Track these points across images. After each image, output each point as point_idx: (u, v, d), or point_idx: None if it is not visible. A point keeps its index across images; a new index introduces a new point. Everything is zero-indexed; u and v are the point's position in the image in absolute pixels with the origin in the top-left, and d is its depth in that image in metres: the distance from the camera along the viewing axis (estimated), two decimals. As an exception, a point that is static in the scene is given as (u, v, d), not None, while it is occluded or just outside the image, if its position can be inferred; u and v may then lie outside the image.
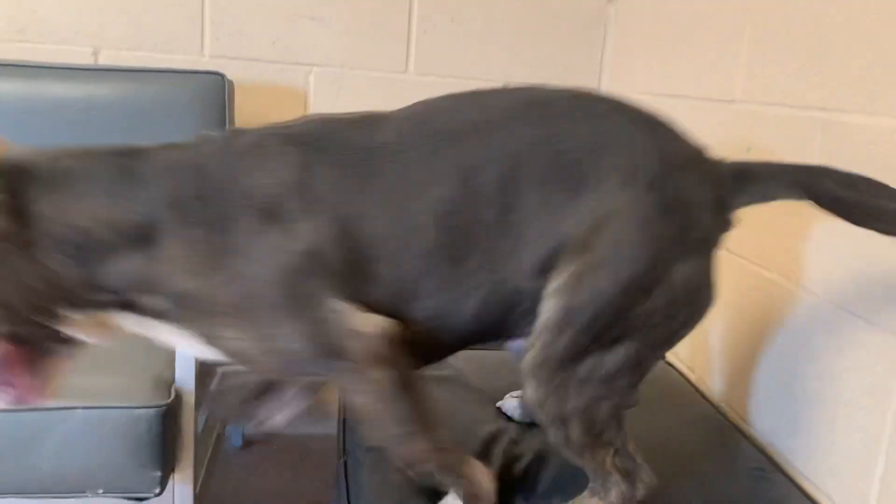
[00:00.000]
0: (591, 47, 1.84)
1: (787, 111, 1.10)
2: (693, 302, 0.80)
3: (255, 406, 0.96)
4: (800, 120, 1.06)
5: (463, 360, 1.16)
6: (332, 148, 0.77)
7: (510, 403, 1.09)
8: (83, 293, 0.75)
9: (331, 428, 1.24)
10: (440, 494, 0.87)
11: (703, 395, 1.25)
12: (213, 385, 1.04)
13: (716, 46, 1.33)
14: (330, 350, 0.74)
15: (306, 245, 0.73)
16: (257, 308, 0.74)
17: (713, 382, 1.29)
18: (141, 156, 0.77)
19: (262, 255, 0.73)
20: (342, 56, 1.74)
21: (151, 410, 1.18)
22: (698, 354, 1.35)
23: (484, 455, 0.99)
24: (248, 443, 1.92)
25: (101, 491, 1.19)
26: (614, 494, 0.84)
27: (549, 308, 0.76)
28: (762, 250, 1.16)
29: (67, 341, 0.78)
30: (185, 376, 1.26)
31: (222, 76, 1.55)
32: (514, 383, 1.04)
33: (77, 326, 0.77)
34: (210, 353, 0.79)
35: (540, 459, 0.97)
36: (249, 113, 1.67)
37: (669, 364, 1.38)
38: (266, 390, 0.96)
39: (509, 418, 1.08)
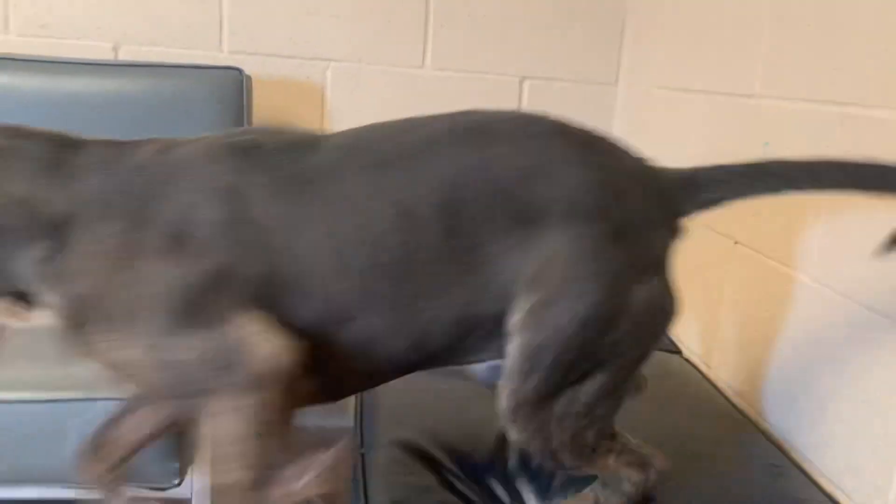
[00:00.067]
0: (609, 41, 1.83)
1: (806, 105, 1.09)
2: (657, 320, 0.79)
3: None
4: (819, 114, 1.05)
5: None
6: (267, 165, 0.74)
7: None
8: None
9: (346, 420, 1.25)
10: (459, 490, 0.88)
11: (718, 391, 1.24)
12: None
13: (735, 40, 1.32)
14: (222, 365, 0.71)
15: (219, 263, 0.71)
16: (157, 315, 0.70)
17: (729, 378, 1.28)
18: (76, 147, 0.75)
19: (170, 266, 0.71)
20: (359, 51, 1.75)
21: (170, 402, 1.19)
22: (714, 350, 1.34)
23: (499, 451, 0.99)
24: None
25: (120, 481, 1.20)
26: (626, 484, 0.85)
27: (513, 348, 0.74)
28: (780, 245, 1.15)
29: None
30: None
31: (240, 71, 1.55)
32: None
33: None
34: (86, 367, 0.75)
35: (555, 454, 0.97)
36: (267, 108, 1.68)
37: (685, 359, 1.37)
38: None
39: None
